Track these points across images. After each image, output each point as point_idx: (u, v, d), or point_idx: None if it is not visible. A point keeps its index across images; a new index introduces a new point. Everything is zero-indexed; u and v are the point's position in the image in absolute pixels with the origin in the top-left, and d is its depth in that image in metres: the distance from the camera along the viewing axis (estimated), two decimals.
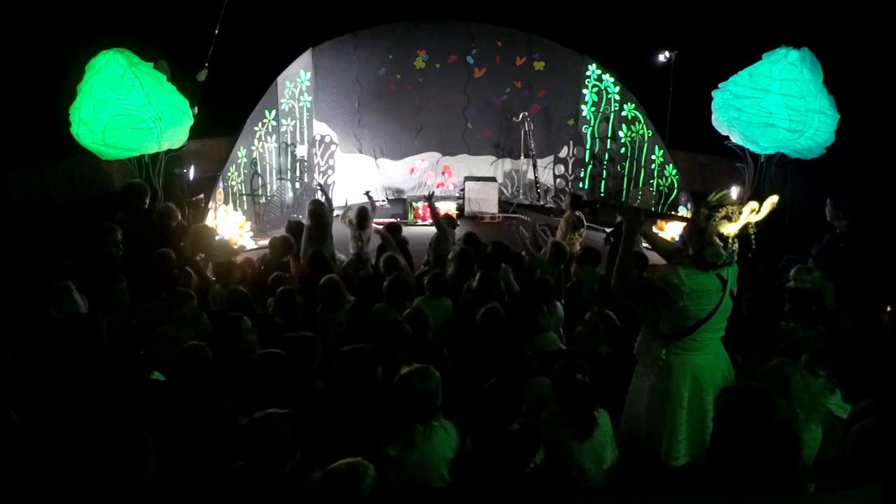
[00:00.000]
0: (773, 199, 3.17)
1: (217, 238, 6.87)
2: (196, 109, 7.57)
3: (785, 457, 2.42)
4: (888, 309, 4.69)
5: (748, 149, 7.51)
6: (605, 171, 10.15)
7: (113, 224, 5.77)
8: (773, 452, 2.40)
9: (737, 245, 3.20)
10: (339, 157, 10.40)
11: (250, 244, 8.36)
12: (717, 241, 3.16)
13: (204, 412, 3.30)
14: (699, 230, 3.20)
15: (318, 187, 8.44)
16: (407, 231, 7.70)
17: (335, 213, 8.21)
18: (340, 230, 7.67)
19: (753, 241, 3.27)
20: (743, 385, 2.94)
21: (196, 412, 3.29)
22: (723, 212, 3.17)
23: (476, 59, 10.32)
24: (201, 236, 6.40)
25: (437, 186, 10.83)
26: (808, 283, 4.88)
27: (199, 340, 3.70)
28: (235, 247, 7.76)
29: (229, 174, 8.46)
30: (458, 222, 8.28)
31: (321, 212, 6.96)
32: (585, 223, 7.43)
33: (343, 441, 2.90)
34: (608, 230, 9.29)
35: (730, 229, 3.16)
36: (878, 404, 2.94)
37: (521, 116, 10.15)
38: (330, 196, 7.69)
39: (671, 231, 8.45)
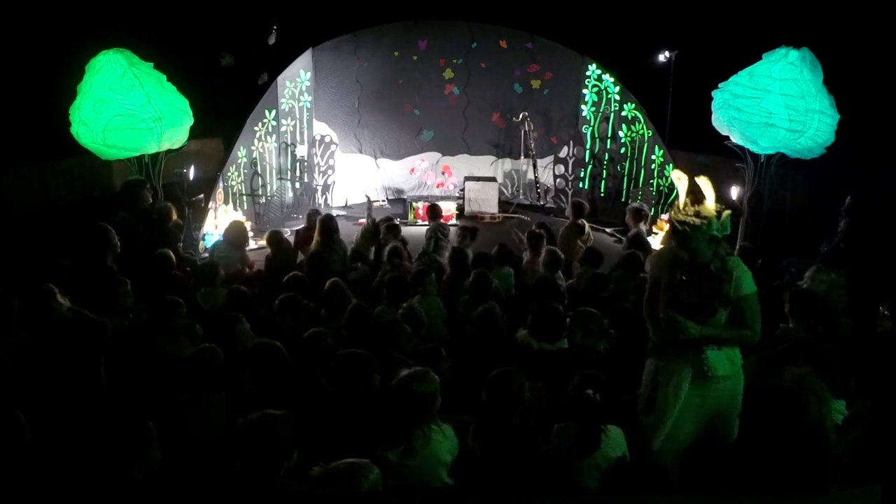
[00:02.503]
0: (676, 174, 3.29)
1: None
2: (266, 76, 8.15)
3: (814, 457, 2.38)
4: (881, 309, 4.67)
5: (748, 149, 7.49)
6: (605, 171, 10.15)
7: (112, 224, 5.77)
8: (804, 452, 2.37)
9: (727, 211, 3.17)
10: (339, 157, 10.40)
11: (250, 244, 8.35)
12: (712, 221, 3.11)
13: (211, 413, 3.30)
14: (713, 239, 3.16)
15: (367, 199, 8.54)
16: (406, 231, 7.70)
17: (335, 213, 8.20)
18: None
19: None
20: (774, 384, 2.88)
21: (203, 413, 3.29)
22: (689, 208, 3.13)
23: (474, 59, 10.33)
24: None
25: (437, 186, 10.82)
26: (824, 285, 4.87)
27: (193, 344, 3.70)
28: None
29: (229, 174, 8.46)
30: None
31: (331, 224, 6.66)
32: (588, 232, 7.37)
33: (343, 446, 2.89)
34: (608, 230, 9.34)
35: (707, 204, 3.13)
36: (877, 405, 2.94)
37: (521, 116, 10.14)
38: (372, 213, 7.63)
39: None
